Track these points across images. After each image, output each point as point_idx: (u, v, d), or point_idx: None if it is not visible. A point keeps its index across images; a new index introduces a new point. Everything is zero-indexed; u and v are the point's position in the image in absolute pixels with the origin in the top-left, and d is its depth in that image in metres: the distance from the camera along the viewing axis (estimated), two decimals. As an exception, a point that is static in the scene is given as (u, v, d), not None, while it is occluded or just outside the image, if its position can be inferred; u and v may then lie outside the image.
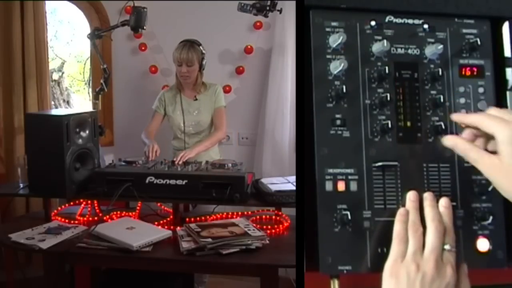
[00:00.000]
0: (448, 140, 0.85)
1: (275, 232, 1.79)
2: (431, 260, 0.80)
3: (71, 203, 2.07)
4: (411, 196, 0.88)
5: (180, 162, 2.07)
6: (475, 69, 0.95)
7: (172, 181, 1.80)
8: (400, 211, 0.86)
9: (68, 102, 4.11)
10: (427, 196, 0.87)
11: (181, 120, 2.53)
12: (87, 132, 1.94)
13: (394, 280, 0.81)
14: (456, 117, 0.88)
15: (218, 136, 2.55)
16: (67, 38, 4.16)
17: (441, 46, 0.93)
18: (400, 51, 0.94)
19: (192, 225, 1.71)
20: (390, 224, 0.86)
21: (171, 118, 2.58)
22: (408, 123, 0.93)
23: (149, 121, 2.62)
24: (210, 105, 2.55)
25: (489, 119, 0.80)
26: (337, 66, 0.90)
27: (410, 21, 0.95)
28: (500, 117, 0.79)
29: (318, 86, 0.91)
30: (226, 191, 1.75)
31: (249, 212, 2.00)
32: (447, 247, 0.82)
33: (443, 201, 0.86)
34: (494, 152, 0.79)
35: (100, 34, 2.30)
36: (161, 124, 2.63)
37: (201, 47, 2.48)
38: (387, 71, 0.91)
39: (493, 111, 0.82)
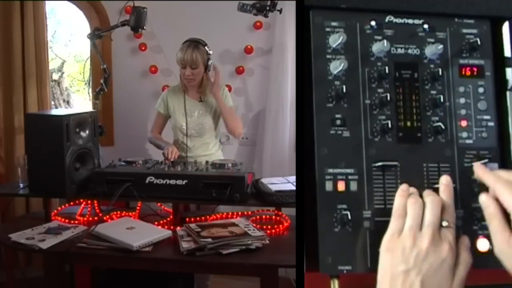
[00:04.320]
0: (484, 200, 0.83)
1: (275, 232, 1.78)
2: (427, 235, 0.78)
3: (71, 203, 2.07)
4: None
5: (172, 159, 2.05)
6: (475, 69, 0.96)
7: (172, 181, 1.80)
8: (402, 186, 0.87)
9: (68, 102, 4.10)
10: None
11: (184, 122, 2.46)
12: (87, 132, 1.94)
13: (390, 255, 0.80)
14: (477, 170, 0.88)
15: (238, 123, 2.51)
16: (65, 39, 4.16)
17: (441, 46, 0.93)
18: (400, 51, 0.95)
19: (192, 225, 1.71)
20: None
21: (173, 120, 2.52)
22: (408, 123, 0.93)
23: (154, 122, 2.60)
24: (215, 107, 2.48)
25: (503, 187, 0.79)
26: (337, 66, 0.90)
27: (410, 21, 0.96)
28: None
29: (318, 86, 0.91)
30: (226, 191, 1.75)
31: (249, 212, 2.00)
32: (444, 223, 0.80)
33: (443, 178, 0.86)
34: None
35: (100, 34, 2.30)
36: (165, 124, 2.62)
37: (206, 47, 2.39)
38: (387, 71, 0.91)
39: (503, 173, 0.82)
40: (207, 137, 2.50)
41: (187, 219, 1.85)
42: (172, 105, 2.51)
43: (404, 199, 0.84)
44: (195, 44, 2.36)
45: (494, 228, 0.80)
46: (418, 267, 0.77)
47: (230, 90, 3.01)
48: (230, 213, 1.97)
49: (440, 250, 0.78)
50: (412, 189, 0.87)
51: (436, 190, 0.87)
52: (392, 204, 0.90)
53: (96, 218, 1.91)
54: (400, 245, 0.79)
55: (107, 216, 1.91)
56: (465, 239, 0.84)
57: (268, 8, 2.35)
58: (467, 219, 0.91)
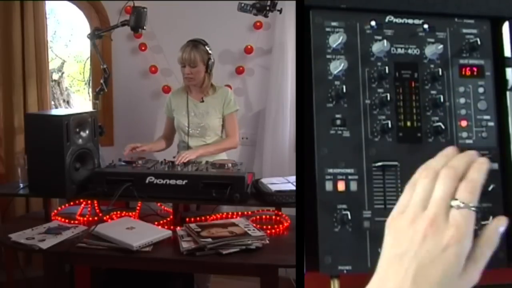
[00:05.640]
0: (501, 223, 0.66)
1: (275, 232, 1.78)
2: (428, 214, 0.62)
3: (71, 203, 2.07)
4: (449, 148, 0.72)
5: (179, 163, 2.06)
6: (475, 69, 0.96)
7: (172, 181, 1.80)
8: (427, 162, 0.71)
9: (68, 102, 4.10)
10: (452, 147, 0.72)
11: (186, 121, 2.47)
12: (87, 132, 1.94)
13: (387, 234, 0.67)
14: None
15: (228, 145, 2.49)
16: (65, 39, 4.16)
17: (441, 46, 0.93)
18: (400, 51, 0.94)
19: (192, 225, 1.71)
20: None
21: (176, 119, 2.53)
22: (408, 123, 0.93)
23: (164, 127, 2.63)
24: (218, 108, 2.49)
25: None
26: (337, 66, 0.90)
27: (410, 21, 0.95)
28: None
29: (318, 86, 0.91)
30: (226, 191, 1.75)
31: (249, 212, 2.00)
32: (455, 202, 0.62)
33: (480, 158, 0.68)
34: None
35: (100, 34, 2.30)
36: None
37: (206, 47, 2.40)
38: (387, 71, 0.91)
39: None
40: (209, 137, 2.51)
41: (187, 219, 1.85)
42: (175, 106, 2.53)
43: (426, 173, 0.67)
44: (195, 43, 2.39)
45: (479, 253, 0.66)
46: (413, 251, 0.62)
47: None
48: (230, 213, 1.97)
49: (442, 235, 0.61)
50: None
51: None
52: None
53: (96, 218, 1.91)
54: (399, 222, 0.65)
55: (107, 216, 1.91)
56: (499, 220, 0.65)
57: (268, 8, 2.35)
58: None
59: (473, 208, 0.62)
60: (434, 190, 0.64)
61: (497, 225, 0.65)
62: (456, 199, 0.63)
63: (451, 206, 0.63)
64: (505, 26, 0.96)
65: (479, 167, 0.66)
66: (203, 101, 2.49)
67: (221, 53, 3.02)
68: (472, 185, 0.64)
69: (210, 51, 2.42)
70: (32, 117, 1.95)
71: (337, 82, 0.91)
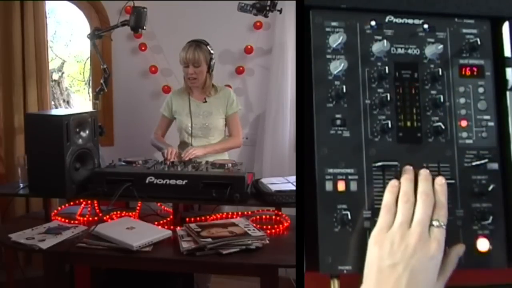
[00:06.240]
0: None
1: (275, 232, 1.78)
2: (416, 232, 0.79)
3: (71, 203, 2.07)
4: (406, 169, 0.88)
5: (187, 158, 2.06)
6: (475, 69, 0.96)
7: (172, 181, 1.80)
8: (391, 183, 0.87)
9: (68, 102, 4.11)
10: (422, 172, 0.88)
11: (189, 122, 2.47)
12: (87, 132, 1.94)
13: (378, 248, 0.80)
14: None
15: (233, 144, 2.52)
16: (65, 39, 4.16)
17: (441, 46, 0.93)
18: (400, 51, 0.95)
19: (192, 225, 1.71)
20: None
21: (178, 120, 2.52)
22: (408, 123, 0.93)
23: (158, 124, 2.60)
24: (221, 109, 2.49)
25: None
26: (337, 66, 0.90)
27: (410, 21, 0.95)
28: None
29: (318, 86, 0.91)
30: (226, 191, 1.75)
31: (249, 212, 2.00)
32: (435, 222, 0.81)
33: (438, 179, 0.86)
34: None
35: (100, 34, 2.30)
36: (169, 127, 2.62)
37: (208, 46, 2.41)
38: (387, 71, 0.91)
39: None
40: (212, 137, 2.51)
41: (187, 219, 1.85)
42: (177, 107, 2.52)
43: (393, 195, 0.85)
44: (197, 43, 2.39)
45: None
46: (405, 262, 0.77)
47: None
48: (230, 213, 1.97)
49: (428, 247, 0.78)
50: (406, 179, 0.86)
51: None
52: None
53: (96, 218, 1.91)
54: (388, 239, 0.80)
55: (107, 216, 1.91)
56: (459, 248, 0.85)
57: (268, 8, 2.36)
58: (467, 219, 0.91)
59: (444, 227, 0.81)
60: (415, 212, 0.81)
61: (459, 251, 0.85)
62: (436, 220, 0.81)
63: (431, 225, 0.81)
64: (505, 26, 0.96)
65: (441, 190, 0.84)
66: (206, 102, 2.49)
67: (221, 53, 3.02)
68: (444, 209, 0.83)
69: (212, 51, 2.43)
70: (32, 117, 1.95)
71: (337, 82, 0.91)
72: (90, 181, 1.86)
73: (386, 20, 0.95)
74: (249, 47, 3.03)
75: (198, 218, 1.88)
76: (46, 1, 2.87)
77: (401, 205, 0.82)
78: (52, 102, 3.33)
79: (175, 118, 2.56)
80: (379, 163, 0.90)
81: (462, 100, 0.95)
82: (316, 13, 0.93)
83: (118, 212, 1.96)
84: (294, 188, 1.83)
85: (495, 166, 0.93)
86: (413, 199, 0.83)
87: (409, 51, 0.95)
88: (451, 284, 0.84)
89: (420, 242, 0.78)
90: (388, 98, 0.90)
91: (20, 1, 2.71)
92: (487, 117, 0.95)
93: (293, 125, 3.01)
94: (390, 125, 0.90)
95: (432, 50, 0.94)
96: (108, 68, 2.28)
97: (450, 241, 0.85)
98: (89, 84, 3.84)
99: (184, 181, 1.79)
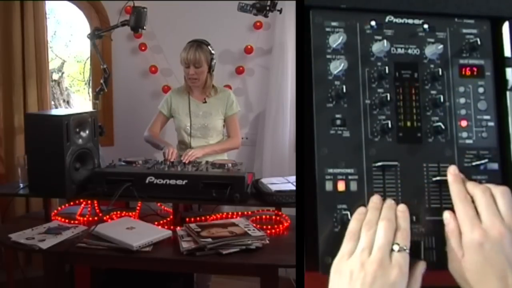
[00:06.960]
0: (446, 216, 0.84)
1: (275, 232, 1.78)
2: (375, 259, 0.77)
3: (71, 203, 2.07)
4: (373, 198, 0.88)
5: (187, 161, 2.06)
6: (475, 69, 0.96)
7: (172, 181, 1.80)
8: (359, 210, 0.86)
9: (68, 102, 4.11)
10: (387, 201, 0.87)
11: (188, 122, 2.47)
12: (87, 132, 1.94)
13: (338, 277, 0.79)
14: (448, 177, 0.88)
15: (232, 145, 2.52)
16: (65, 39, 4.16)
17: (441, 46, 0.93)
18: (400, 51, 0.95)
19: (192, 225, 1.71)
20: None
21: (177, 120, 2.52)
22: (408, 123, 0.93)
23: (152, 120, 2.58)
24: (221, 110, 2.49)
25: (459, 202, 0.82)
26: (337, 66, 0.90)
27: (410, 21, 0.96)
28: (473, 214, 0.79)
29: (318, 86, 0.91)
30: (226, 191, 1.75)
31: (249, 212, 2.00)
32: (395, 247, 0.79)
33: (400, 206, 0.86)
34: None
35: (100, 34, 2.30)
36: (165, 126, 2.61)
37: (209, 47, 2.41)
38: (387, 71, 0.91)
39: (471, 186, 0.84)
40: (211, 138, 2.50)
41: (187, 219, 1.85)
42: (176, 106, 2.51)
43: (359, 222, 0.84)
44: (198, 43, 2.39)
45: (451, 245, 0.81)
46: None
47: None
48: (230, 213, 1.97)
49: (389, 274, 0.76)
50: (370, 210, 0.86)
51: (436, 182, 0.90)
52: None
53: (96, 218, 1.91)
54: (348, 268, 0.78)
55: (107, 216, 1.91)
56: (420, 266, 0.83)
57: (268, 8, 2.35)
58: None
59: (407, 251, 0.79)
60: (376, 238, 0.79)
61: (422, 268, 0.83)
62: (397, 244, 0.79)
63: (392, 250, 0.78)
64: (505, 26, 0.96)
65: (404, 216, 0.83)
66: (205, 102, 2.49)
67: (221, 53, 3.02)
68: (405, 232, 0.81)
69: (213, 51, 2.43)
70: (32, 117, 1.95)
71: (337, 82, 0.91)
72: (90, 181, 1.86)
73: (386, 20, 0.95)
74: (249, 47, 3.04)
75: (198, 218, 1.88)
76: (46, 1, 2.87)
77: (364, 232, 0.81)
78: (52, 102, 3.33)
79: (172, 117, 2.55)
80: (379, 163, 0.90)
81: (462, 100, 0.95)
82: (316, 13, 0.93)
83: (118, 212, 1.96)
84: (294, 188, 1.83)
85: (495, 166, 0.93)
86: (376, 227, 0.82)
87: (409, 51, 0.95)
88: (442, 284, 0.85)
89: (380, 268, 0.76)
90: (388, 98, 0.90)
91: (20, 1, 2.71)
92: (487, 117, 0.95)
93: (293, 125, 3.01)
94: (390, 125, 0.90)
95: (432, 50, 0.94)
96: (108, 68, 2.28)
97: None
98: (89, 84, 3.84)
99: (184, 181, 1.79)
